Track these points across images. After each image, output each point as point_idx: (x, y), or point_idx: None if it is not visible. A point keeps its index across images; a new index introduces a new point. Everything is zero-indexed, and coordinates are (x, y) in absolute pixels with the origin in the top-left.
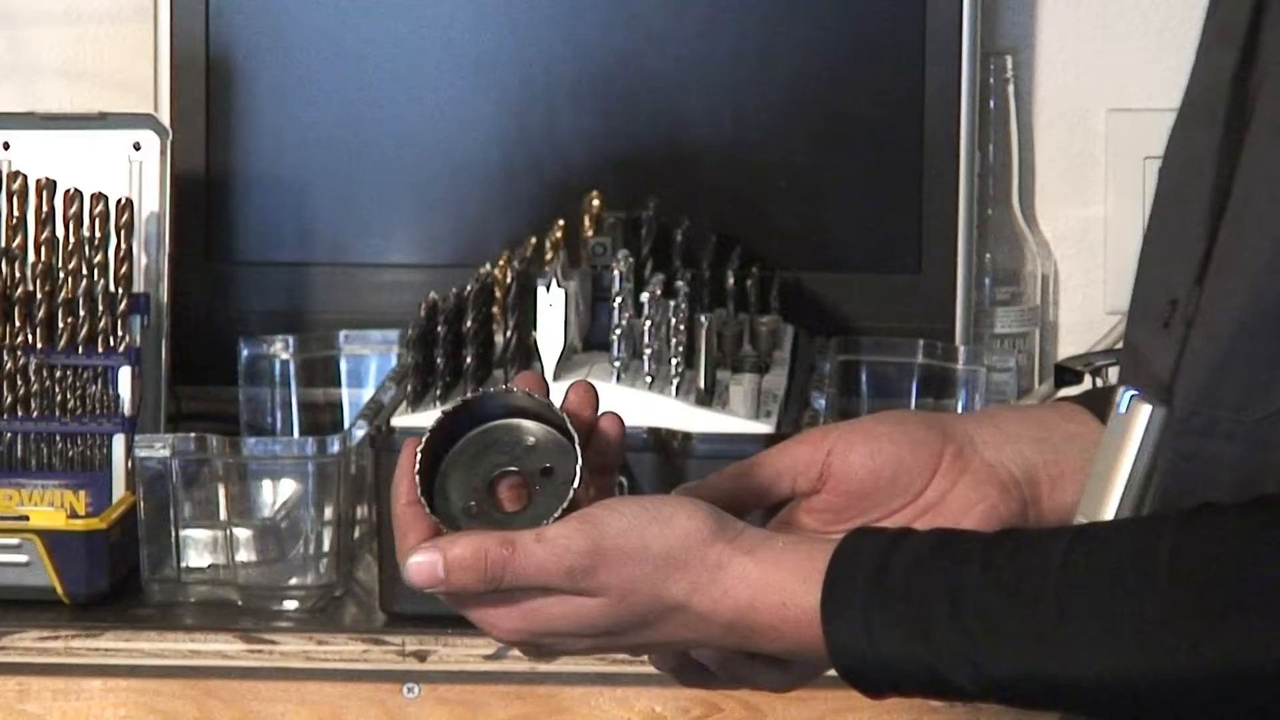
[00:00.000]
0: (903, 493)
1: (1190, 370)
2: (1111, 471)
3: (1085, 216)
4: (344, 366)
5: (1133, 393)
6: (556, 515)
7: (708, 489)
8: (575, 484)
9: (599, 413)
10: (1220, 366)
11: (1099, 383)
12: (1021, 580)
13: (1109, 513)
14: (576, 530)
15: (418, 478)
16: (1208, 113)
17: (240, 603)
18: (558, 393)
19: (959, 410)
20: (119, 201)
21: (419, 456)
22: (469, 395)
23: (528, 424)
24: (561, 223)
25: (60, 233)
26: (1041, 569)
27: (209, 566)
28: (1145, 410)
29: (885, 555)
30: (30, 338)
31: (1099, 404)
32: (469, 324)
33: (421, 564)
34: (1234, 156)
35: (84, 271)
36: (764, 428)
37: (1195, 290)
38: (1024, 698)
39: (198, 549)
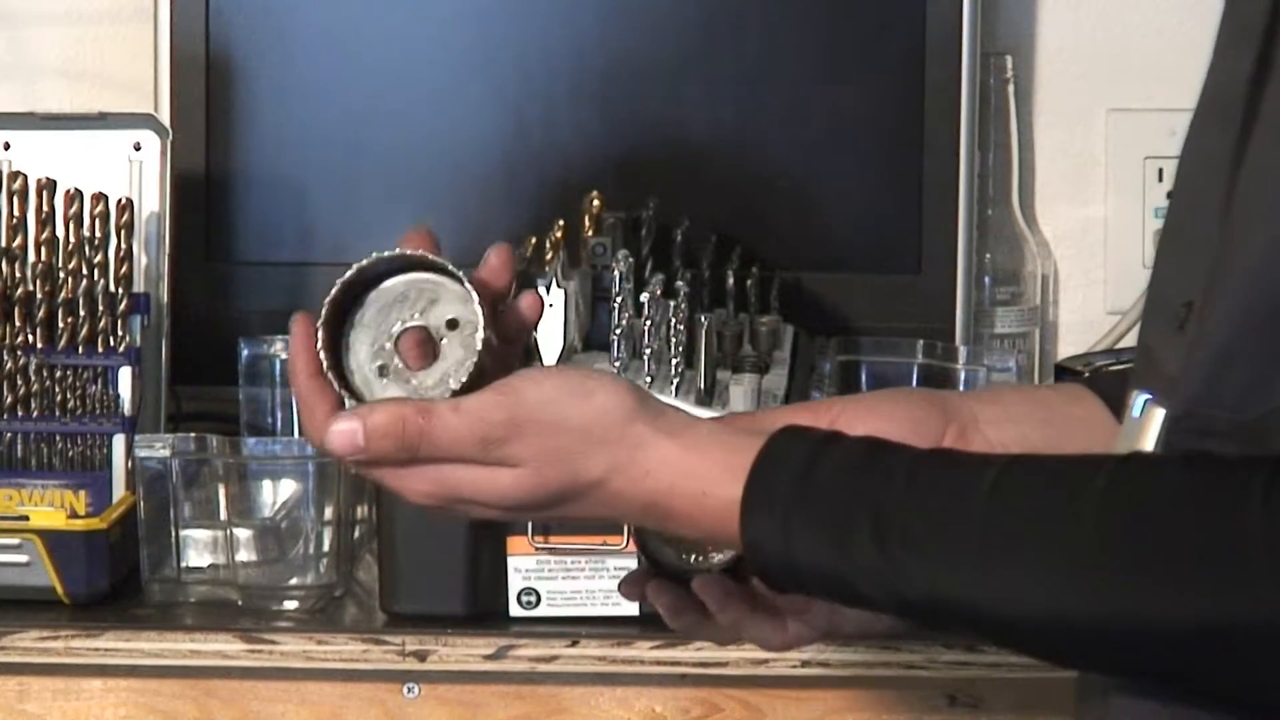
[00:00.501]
0: None
1: (1190, 370)
2: None
3: (1085, 216)
4: None
5: (1146, 396)
6: (468, 366)
7: None
8: (480, 331)
9: (519, 291)
10: (1218, 366)
11: None
12: (946, 503)
13: None
14: (494, 401)
15: (322, 351)
16: (1223, 114)
17: (240, 603)
18: None
19: None
20: (119, 201)
21: (320, 329)
22: (361, 261)
23: (425, 277)
24: (561, 223)
25: (60, 233)
26: (968, 493)
27: (209, 566)
28: (1159, 414)
29: (812, 459)
30: (30, 338)
31: (1104, 387)
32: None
33: (343, 432)
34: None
35: (84, 271)
36: None
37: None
38: (935, 621)
39: (198, 549)
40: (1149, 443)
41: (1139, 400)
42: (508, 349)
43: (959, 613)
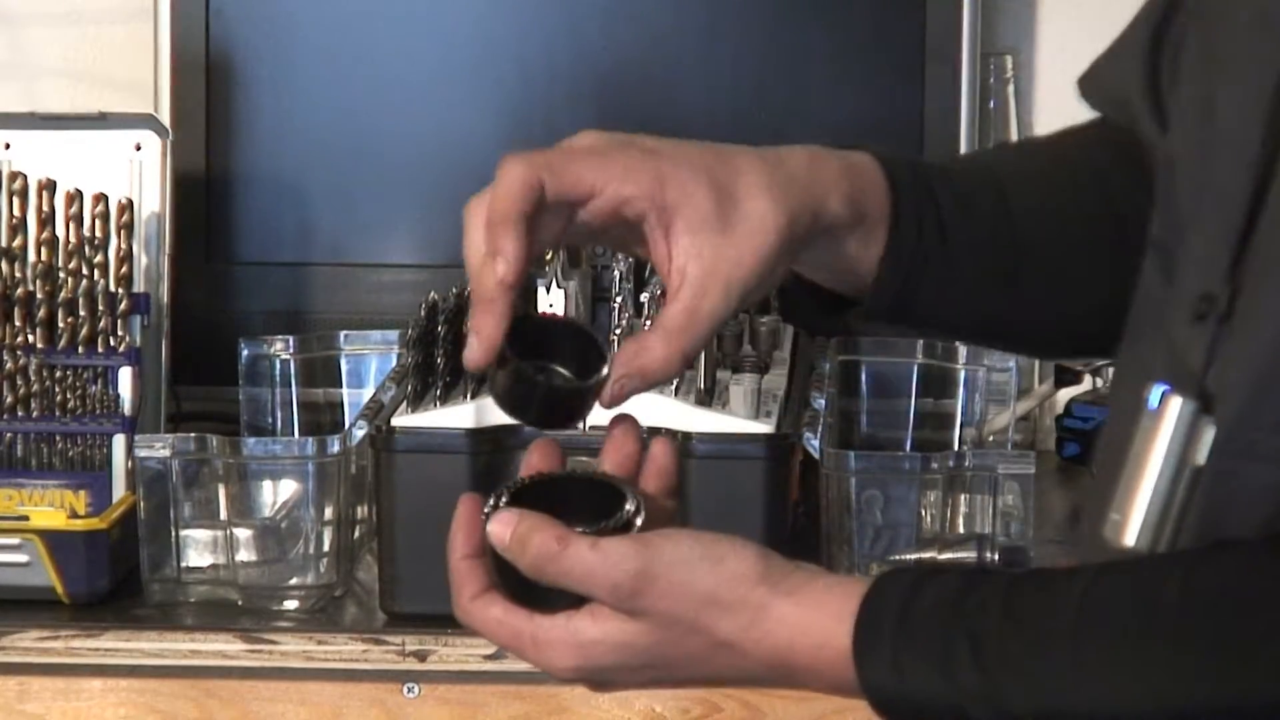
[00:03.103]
0: None
1: (1231, 388)
2: (1143, 468)
3: None
4: (344, 366)
5: (1164, 388)
6: (615, 520)
7: None
8: (639, 519)
9: (646, 438)
10: (1259, 390)
11: (1099, 383)
12: (1039, 622)
13: (1140, 510)
14: (631, 551)
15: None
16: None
17: (240, 603)
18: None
19: (958, 409)
20: (119, 202)
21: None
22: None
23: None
24: None
25: (61, 233)
26: (1059, 610)
27: (209, 566)
28: (1176, 404)
29: (911, 598)
30: (30, 338)
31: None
32: (469, 324)
33: (502, 524)
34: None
35: (84, 271)
36: (764, 428)
37: (1227, 286)
38: None
39: (198, 549)
40: (1166, 432)
41: (1156, 391)
42: (657, 502)
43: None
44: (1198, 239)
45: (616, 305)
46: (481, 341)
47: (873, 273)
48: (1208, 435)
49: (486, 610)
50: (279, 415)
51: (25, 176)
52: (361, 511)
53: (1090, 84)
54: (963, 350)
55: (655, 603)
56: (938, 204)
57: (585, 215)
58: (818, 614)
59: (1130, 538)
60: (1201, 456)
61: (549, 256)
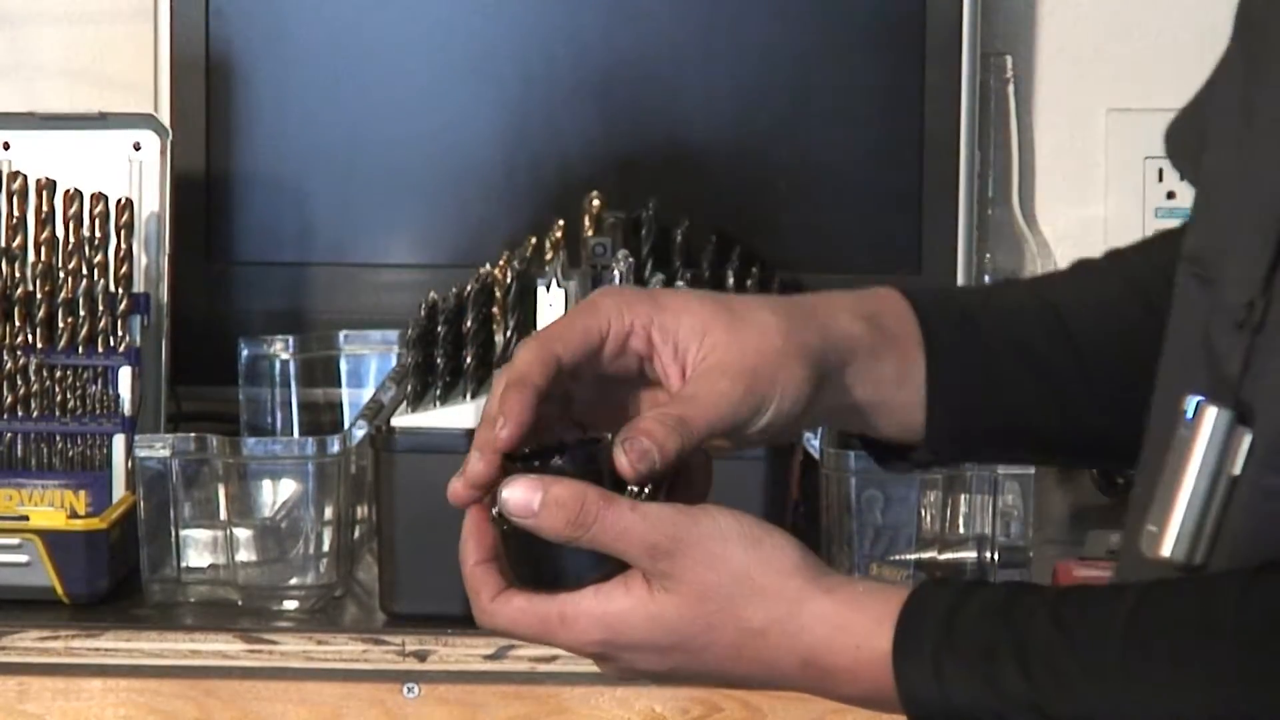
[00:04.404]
0: None
1: (1267, 400)
2: (1179, 478)
3: (1085, 216)
4: (344, 366)
5: (1199, 398)
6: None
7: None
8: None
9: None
10: None
11: None
12: (1088, 635)
13: (1177, 522)
14: (671, 515)
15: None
16: None
17: (240, 603)
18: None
19: None
20: (119, 201)
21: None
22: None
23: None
24: (561, 223)
25: (60, 233)
26: (1107, 624)
27: (209, 566)
28: (1212, 414)
29: (956, 606)
30: (30, 338)
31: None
32: (469, 324)
33: (521, 492)
34: None
35: (84, 271)
36: None
37: (1263, 297)
38: None
39: (198, 549)
40: (1202, 442)
41: (1191, 402)
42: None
43: None
44: (1240, 244)
45: None
46: (465, 480)
47: (923, 402)
48: (1244, 445)
49: (508, 605)
50: (279, 415)
51: (25, 176)
52: (361, 511)
53: (1172, 144)
54: None
55: (689, 569)
56: (974, 319)
57: (606, 361)
58: (857, 614)
59: (1166, 549)
60: (1238, 467)
61: (549, 256)
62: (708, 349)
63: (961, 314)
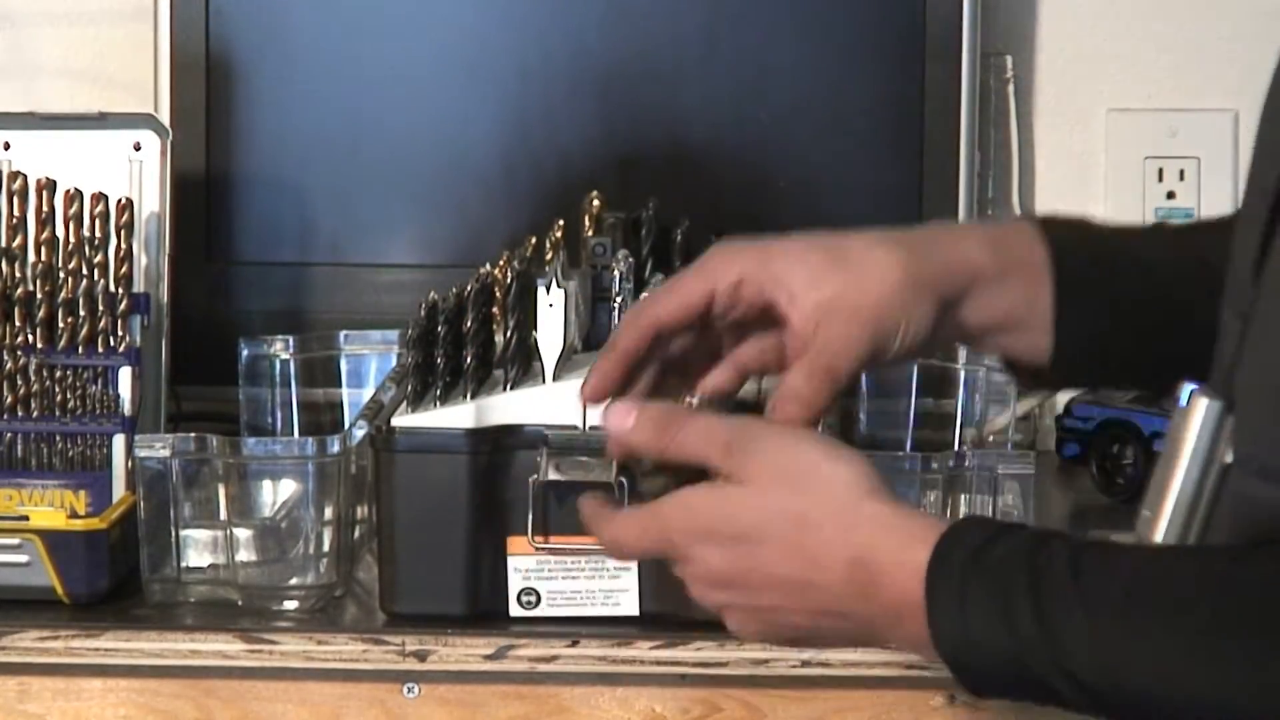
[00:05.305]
0: None
1: (1247, 409)
2: (1173, 466)
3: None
4: (344, 366)
5: (1193, 387)
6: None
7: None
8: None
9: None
10: (1275, 414)
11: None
12: (1100, 582)
13: (1168, 506)
14: (742, 421)
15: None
16: None
17: (240, 603)
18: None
19: (958, 409)
20: (119, 201)
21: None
22: None
23: None
24: (561, 223)
25: (60, 233)
26: (1119, 572)
27: (209, 566)
28: (1203, 404)
29: (985, 545)
30: (30, 338)
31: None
32: (469, 324)
33: (619, 410)
34: None
35: (84, 271)
36: None
37: (1252, 290)
38: (1106, 698)
39: (198, 549)
40: (1193, 431)
41: (1186, 390)
42: None
43: (1121, 681)
44: (1245, 232)
45: (617, 305)
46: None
47: (1050, 328)
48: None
49: (627, 522)
50: (279, 415)
51: (25, 176)
52: (361, 511)
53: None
54: (963, 350)
55: (761, 464)
56: (1103, 244)
57: (721, 313)
58: (908, 522)
59: (1159, 534)
60: (1229, 455)
61: (549, 256)
62: (827, 294)
63: (1090, 240)
